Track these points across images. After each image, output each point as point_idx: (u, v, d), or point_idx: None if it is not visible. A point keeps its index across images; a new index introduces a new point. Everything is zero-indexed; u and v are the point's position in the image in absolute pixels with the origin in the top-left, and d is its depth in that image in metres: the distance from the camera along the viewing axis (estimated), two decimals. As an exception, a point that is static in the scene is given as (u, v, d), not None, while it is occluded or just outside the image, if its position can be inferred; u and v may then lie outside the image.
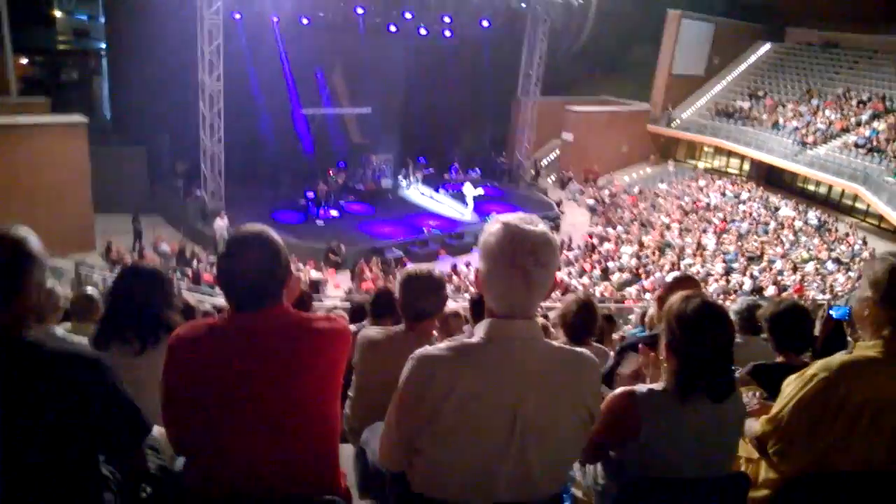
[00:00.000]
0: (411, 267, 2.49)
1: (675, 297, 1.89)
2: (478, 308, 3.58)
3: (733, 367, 1.85)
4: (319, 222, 19.41)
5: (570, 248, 19.68)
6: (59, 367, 1.46)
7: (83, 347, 1.53)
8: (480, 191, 22.18)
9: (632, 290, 15.61)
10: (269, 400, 1.71)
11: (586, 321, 3.21)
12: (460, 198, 23.63)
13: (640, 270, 17.21)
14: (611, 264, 17.78)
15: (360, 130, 24.73)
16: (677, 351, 1.83)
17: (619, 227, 22.04)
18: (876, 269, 1.84)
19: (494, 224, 1.61)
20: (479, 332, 1.63)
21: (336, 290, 15.68)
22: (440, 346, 1.60)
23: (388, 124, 24.12)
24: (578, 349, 1.68)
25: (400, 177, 24.21)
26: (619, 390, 1.89)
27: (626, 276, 17.09)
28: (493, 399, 1.53)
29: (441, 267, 18.09)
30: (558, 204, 24.09)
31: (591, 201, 25.54)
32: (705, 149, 30.18)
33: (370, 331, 2.60)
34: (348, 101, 24.02)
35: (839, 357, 1.87)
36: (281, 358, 1.74)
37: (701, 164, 30.02)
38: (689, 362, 1.79)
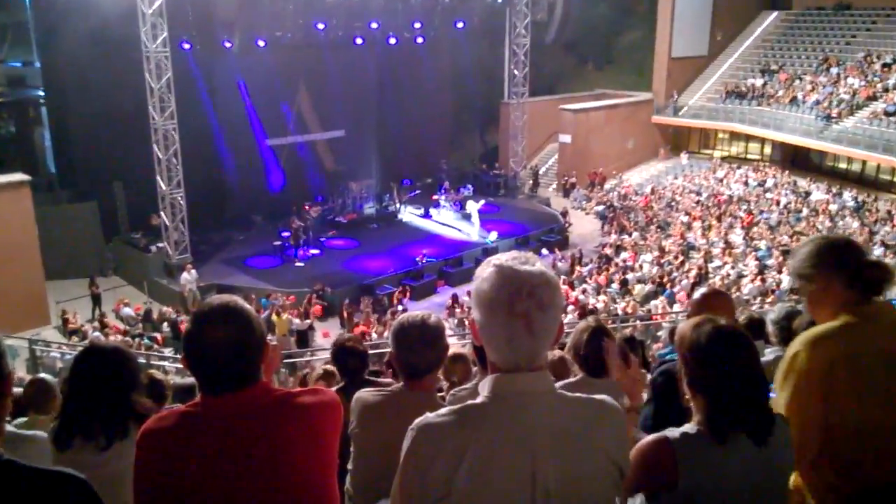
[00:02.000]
0: (404, 316, 2.45)
1: (684, 326, 1.87)
2: (482, 354, 3.54)
3: (770, 393, 1.84)
4: (299, 264, 19.45)
5: (581, 263, 19.71)
6: (42, 494, 1.32)
7: (67, 469, 1.40)
8: (481, 202, 22.37)
9: (657, 303, 15.56)
10: (255, 491, 1.70)
11: (601, 352, 3.19)
12: (460, 217, 23.85)
13: (665, 279, 17.18)
14: (630, 276, 17.75)
15: (334, 157, 24.92)
16: (699, 387, 1.81)
17: (635, 233, 22.08)
18: (815, 249, 2.07)
19: (486, 268, 1.61)
20: (483, 389, 1.62)
21: (326, 340, 15.67)
22: (441, 413, 1.59)
23: (364, 147, 24.35)
24: (597, 397, 1.66)
25: (388, 202, 24.42)
26: (650, 437, 1.86)
27: (648, 287, 17.06)
28: (507, 465, 1.50)
29: (440, 299, 18.19)
30: (563, 214, 24.24)
31: (599, 207, 25.64)
32: (720, 135, 30.50)
33: (365, 393, 2.58)
34: (318, 126, 24.25)
35: (810, 330, 2.09)
36: (264, 444, 1.72)
37: (717, 153, 30.30)
38: (715, 400, 1.76)
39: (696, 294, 3.00)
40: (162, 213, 18.24)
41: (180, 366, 9.74)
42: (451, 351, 3.25)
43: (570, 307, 14.63)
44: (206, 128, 21.26)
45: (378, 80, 24.50)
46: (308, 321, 15.49)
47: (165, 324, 15.38)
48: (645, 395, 3.40)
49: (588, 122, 28.35)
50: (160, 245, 18.63)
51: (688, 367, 1.83)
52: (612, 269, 18.63)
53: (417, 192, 24.67)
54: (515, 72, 25.84)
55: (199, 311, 1.76)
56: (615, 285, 17.62)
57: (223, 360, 1.72)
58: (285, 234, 20.39)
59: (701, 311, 2.60)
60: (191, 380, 4.68)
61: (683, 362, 1.80)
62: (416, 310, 2.61)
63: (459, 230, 22.61)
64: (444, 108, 26.49)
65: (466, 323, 15.42)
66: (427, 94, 25.81)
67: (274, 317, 14.32)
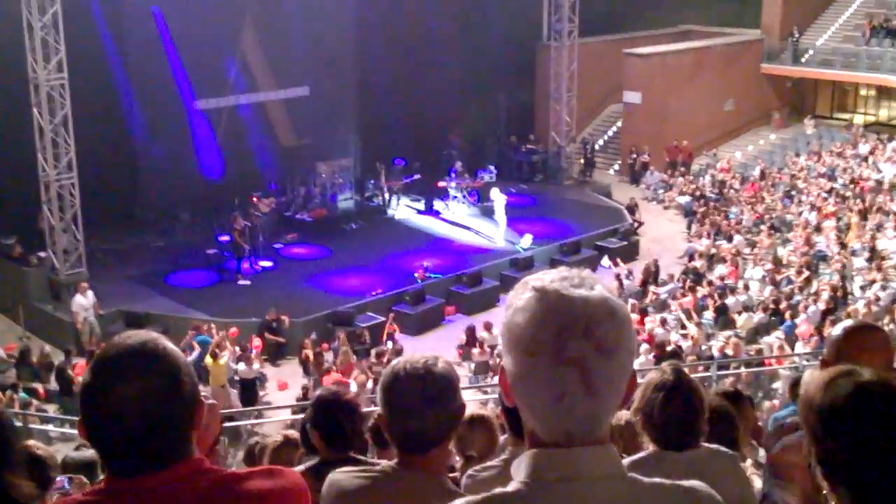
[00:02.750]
0: (399, 361, 2.43)
1: (813, 381, 1.78)
2: (515, 417, 3.39)
3: None
4: (244, 282, 19.63)
5: (657, 280, 19.74)
6: None
7: None
8: (506, 194, 22.55)
9: (771, 341, 15.46)
10: None
11: (685, 417, 3.18)
12: (478, 214, 23.93)
13: (782, 305, 17.13)
14: (731, 300, 17.73)
15: (294, 126, 25.15)
16: (838, 476, 1.71)
17: (737, 238, 22.09)
18: None
19: (522, 292, 1.60)
20: (518, 471, 1.62)
21: (284, 394, 15.68)
22: None
23: (338, 112, 24.48)
24: (686, 484, 1.66)
25: (372, 191, 24.51)
26: None
27: (758, 317, 17.01)
28: None
29: (450, 333, 18.13)
30: (631, 209, 24.34)
31: (683, 199, 25.80)
32: (861, 92, 30.46)
33: (342, 475, 2.58)
34: (272, 82, 24.45)
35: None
36: None
37: (858, 118, 30.28)
38: (862, 493, 1.68)
39: (835, 330, 2.96)
40: (45, 209, 18.35)
41: (76, 432, 9.78)
42: (467, 412, 3.23)
43: (643, 346, 14.62)
44: (109, 85, 21.45)
45: (359, 18, 24.60)
46: (257, 366, 15.54)
47: (51, 371, 15.48)
48: (757, 481, 3.36)
49: (666, 74, 28.45)
50: (42, 255, 18.72)
51: (819, 443, 1.74)
52: (703, 291, 18.60)
53: (416, 177, 24.82)
54: (562, 1, 26.03)
55: (101, 355, 1.75)
56: (708, 314, 17.57)
57: (137, 429, 1.72)
58: (224, 238, 20.56)
59: (841, 358, 2.55)
60: (91, 453, 4.69)
61: (812, 436, 1.71)
62: (414, 350, 2.61)
63: (477, 232, 22.72)
64: (454, 56, 26.52)
65: (490, 370, 15.48)
66: (429, 37, 25.89)
67: (208, 360, 14.38)
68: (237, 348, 15.48)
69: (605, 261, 20.90)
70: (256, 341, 16.49)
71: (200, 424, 1.82)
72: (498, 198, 22.19)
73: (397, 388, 2.43)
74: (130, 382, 1.71)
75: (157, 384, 1.73)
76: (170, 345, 1.81)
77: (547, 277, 1.62)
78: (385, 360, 15.49)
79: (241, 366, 15.09)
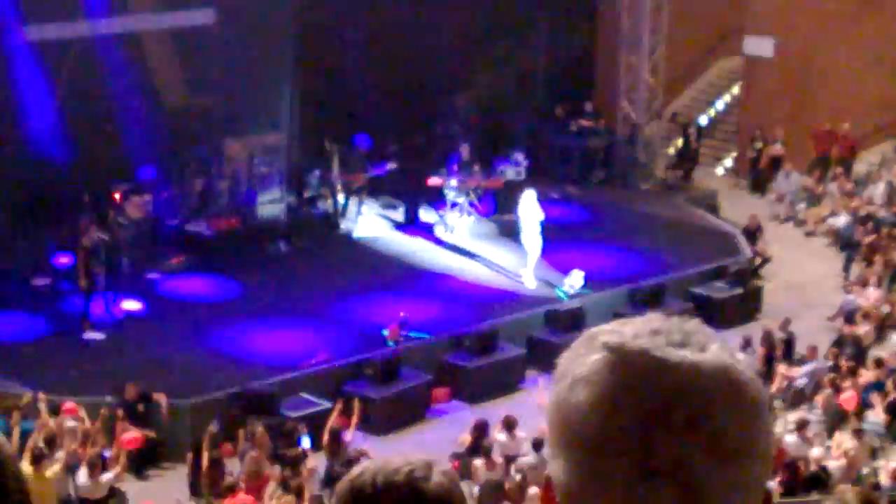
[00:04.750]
0: (366, 469, 2.40)
1: None
2: None
3: None
4: (93, 335, 19.66)
5: (790, 357, 19.75)
6: None
7: None
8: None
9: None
10: None
11: None
12: (493, 230, 23.97)
13: None
14: (914, 391, 17.74)
15: (186, 77, 25.29)
16: None
17: (929, 285, 22.10)
18: None
19: (586, 354, 1.65)
20: None
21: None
22: None
23: (265, 57, 24.54)
24: None
25: (317, 189, 24.59)
26: None
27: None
28: None
29: (443, 432, 17.93)
30: (751, 235, 24.42)
31: (839, 220, 25.90)
32: None
33: None
34: (154, 1, 24.44)
35: None
36: None
37: None
38: None
39: None
40: None
41: None
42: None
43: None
44: None
45: None
46: (109, 475, 15.50)
47: None
48: None
49: (817, 10, 28.50)
50: None
51: None
52: (868, 375, 18.62)
53: (390, 167, 24.93)
54: None
55: None
56: (874, 414, 17.57)
57: None
58: (64, 261, 20.60)
59: None
60: None
61: None
62: (383, 454, 2.59)
63: (491, 264, 22.76)
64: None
65: (506, 496, 15.31)
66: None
67: (26, 466, 14.28)
68: (84, 447, 15.38)
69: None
70: (133, 433, 16.44)
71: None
72: (530, 208, 22.23)
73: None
74: None
75: None
76: None
77: (628, 330, 1.64)
78: (307, 472, 15.49)
79: (83, 476, 15.01)
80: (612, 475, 1.57)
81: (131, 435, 16.45)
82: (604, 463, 1.57)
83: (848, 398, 17.53)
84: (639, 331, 1.63)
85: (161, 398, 17.15)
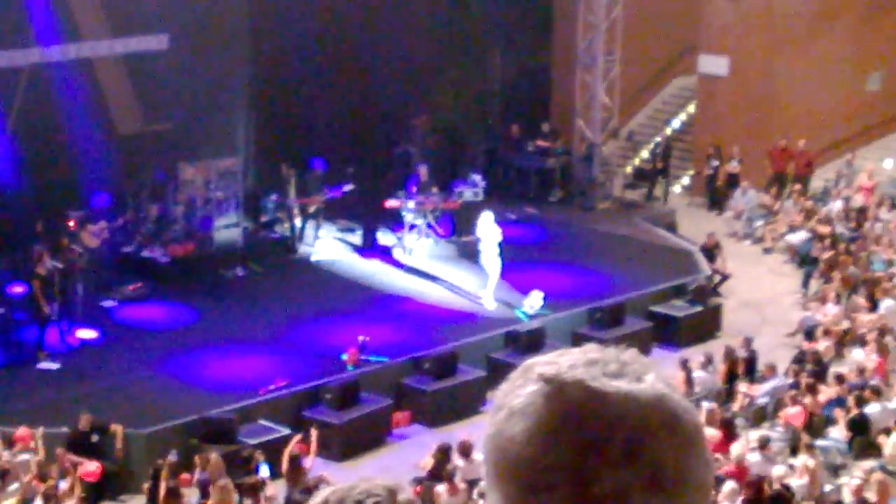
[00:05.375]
0: (333, 494, 2.39)
1: None
2: None
3: None
4: (48, 364, 19.53)
5: (751, 375, 19.82)
6: None
7: None
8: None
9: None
10: None
11: None
12: (452, 252, 23.95)
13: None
14: (874, 408, 17.80)
15: (140, 102, 25.15)
16: None
17: (886, 302, 22.24)
18: None
19: (522, 386, 1.64)
20: None
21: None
22: None
23: (220, 80, 24.57)
24: None
25: (273, 213, 24.51)
26: None
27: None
28: None
29: (403, 456, 17.87)
30: (709, 252, 24.52)
31: (797, 236, 26.04)
32: None
33: None
34: (107, 27, 24.41)
35: None
36: None
37: None
38: None
39: None
40: None
41: None
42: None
43: (728, 483, 14.70)
44: None
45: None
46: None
47: None
48: None
49: (772, 27, 28.75)
50: None
51: None
52: (828, 392, 18.68)
53: (348, 189, 24.93)
54: None
55: None
56: (836, 431, 17.63)
57: None
58: (17, 290, 20.43)
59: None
60: None
61: None
62: (343, 480, 2.57)
63: (451, 286, 22.82)
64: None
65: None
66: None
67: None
68: (33, 477, 15.27)
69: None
70: (91, 465, 16.29)
71: None
72: (488, 229, 22.25)
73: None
74: None
75: None
76: None
77: (564, 361, 1.63)
78: (266, 501, 15.42)
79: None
80: None
81: (90, 467, 16.35)
82: (540, 497, 1.57)
83: (795, 414, 17.61)
84: (575, 361, 1.63)
85: (117, 429, 17.04)
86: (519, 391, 1.62)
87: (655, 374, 1.61)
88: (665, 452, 1.56)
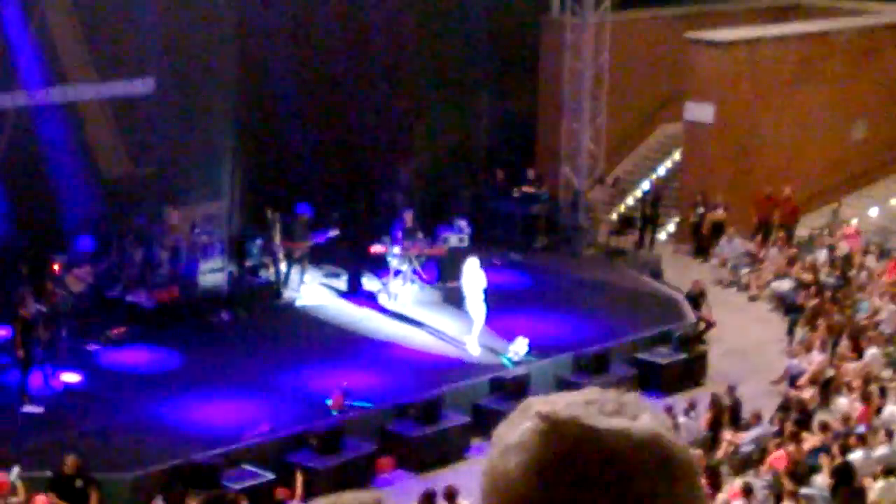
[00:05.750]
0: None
1: None
2: None
3: None
4: (31, 408, 19.35)
5: (736, 423, 19.77)
6: None
7: None
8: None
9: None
10: None
11: None
12: (437, 298, 23.94)
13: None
14: (858, 456, 17.79)
15: (126, 146, 25.10)
16: None
17: (871, 351, 22.24)
18: None
19: (519, 423, 1.66)
20: None
21: None
22: None
23: (205, 125, 24.61)
24: None
25: (259, 257, 24.48)
26: None
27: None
28: None
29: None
30: (694, 300, 24.53)
31: (782, 284, 26.07)
32: None
33: None
34: (93, 70, 24.40)
35: None
36: None
37: None
38: None
39: None
40: None
41: None
42: None
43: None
44: None
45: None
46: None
47: None
48: None
49: (758, 75, 28.92)
50: None
51: None
52: (813, 440, 18.67)
53: (333, 234, 24.96)
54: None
55: None
56: (821, 479, 17.62)
57: None
58: (1, 332, 20.42)
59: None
60: None
61: None
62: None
63: (436, 332, 22.78)
64: (405, 37, 26.69)
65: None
66: (364, 3, 26.30)
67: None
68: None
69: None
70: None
71: None
72: (473, 275, 22.24)
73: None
74: None
75: None
76: None
77: (562, 400, 1.65)
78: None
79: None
80: None
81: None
82: None
83: (778, 458, 17.59)
84: (573, 400, 1.64)
85: (90, 476, 16.94)
86: (516, 428, 1.63)
87: (651, 414, 1.62)
88: (658, 490, 1.57)
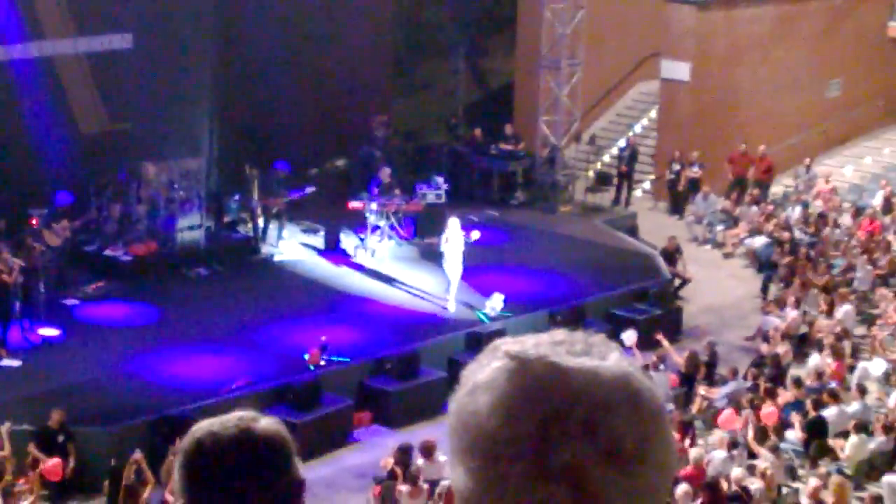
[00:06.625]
0: (203, 424, 2.55)
1: None
2: None
3: None
4: (10, 361, 19.35)
5: (712, 376, 19.94)
6: None
7: None
8: (476, 234, 22.42)
9: None
10: None
11: None
12: (414, 254, 24.03)
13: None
14: (831, 412, 17.88)
15: (103, 102, 25.07)
16: None
17: (844, 307, 22.34)
18: None
19: (488, 362, 1.68)
20: None
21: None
22: None
23: (184, 81, 24.52)
24: None
25: (236, 214, 24.54)
26: None
27: (877, 441, 17.20)
28: None
29: (365, 457, 17.97)
30: (670, 256, 24.64)
31: (757, 241, 26.18)
32: None
33: None
34: (70, 26, 24.29)
35: None
36: None
37: None
38: None
39: None
40: None
41: None
42: None
43: (682, 485, 14.71)
44: None
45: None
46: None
47: None
48: None
49: (734, 35, 28.94)
50: None
51: None
52: (786, 395, 18.79)
53: (310, 191, 24.97)
54: None
55: None
56: (793, 434, 17.75)
57: None
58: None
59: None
60: None
61: None
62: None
63: (413, 288, 22.86)
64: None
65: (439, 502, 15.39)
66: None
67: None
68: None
69: (628, 336, 20.65)
70: (49, 466, 16.12)
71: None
72: (451, 232, 22.31)
73: (201, 464, 2.57)
74: None
75: None
76: None
77: (531, 341, 1.67)
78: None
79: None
80: (508, 479, 1.58)
81: (52, 463, 16.29)
82: (500, 467, 1.59)
83: (769, 413, 17.69)
84: (541, 341, 1.66)
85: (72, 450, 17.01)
86: (484, 368, 1.65)
87: (618, 354, 1.64)
88: (625, 429, 1.57)
